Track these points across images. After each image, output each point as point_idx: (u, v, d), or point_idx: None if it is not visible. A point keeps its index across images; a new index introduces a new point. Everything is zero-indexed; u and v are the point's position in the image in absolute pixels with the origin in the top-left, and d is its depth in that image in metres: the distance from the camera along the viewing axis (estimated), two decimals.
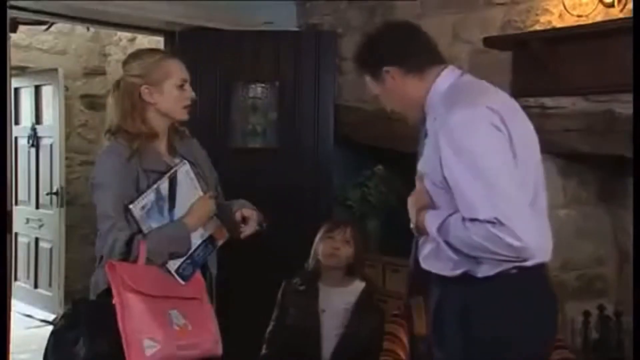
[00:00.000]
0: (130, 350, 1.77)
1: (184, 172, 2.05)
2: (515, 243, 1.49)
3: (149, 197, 1.96)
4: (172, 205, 2.01)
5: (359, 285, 2.70)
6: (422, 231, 1.68)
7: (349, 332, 2.61)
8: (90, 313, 1.90)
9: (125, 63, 2.13)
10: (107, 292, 1.88)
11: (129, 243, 1.91)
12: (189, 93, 2.10)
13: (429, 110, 1.72)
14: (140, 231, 1.94)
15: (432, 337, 1.80)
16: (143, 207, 1.95)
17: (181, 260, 2.00)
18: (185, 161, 2.08)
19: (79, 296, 1.99)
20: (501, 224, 1.48)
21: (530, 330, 1.65)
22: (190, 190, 2.05)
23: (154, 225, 1.96)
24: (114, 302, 1.82)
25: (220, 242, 2.12)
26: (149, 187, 1.97)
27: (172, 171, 2.02)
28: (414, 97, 1.74)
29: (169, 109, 2.07)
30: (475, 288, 1.62)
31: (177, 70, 2.08)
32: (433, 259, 1.71)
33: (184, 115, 2.11)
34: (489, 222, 1.49)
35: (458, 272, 1.64)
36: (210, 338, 1.95)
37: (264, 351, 2.70)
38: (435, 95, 1.70)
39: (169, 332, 1.83)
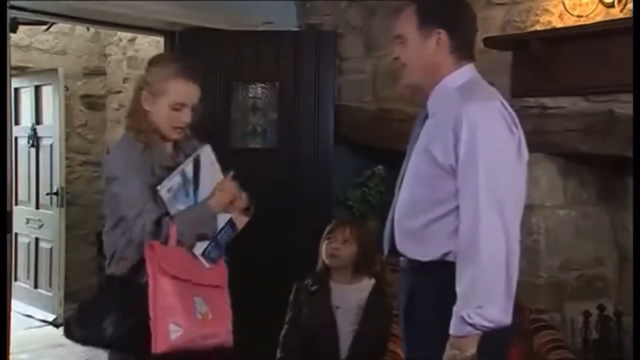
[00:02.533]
0: (157, 332, 1.80)
1: (207, 153, 2.06)
2: None
3: (175, 179, 1.98)
4: (196, 187, 2.02)
5: (369, 283, 2.70)
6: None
7: (364, 329, 2.61)
8: (120, 290, 1.94)
9: (147, 63, 2.15)
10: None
11: (158, 224, 1.92)
12: (184, 118, 2.06)
13: (439, 93, 1.74)
14: (167, 213, 1.95)
15: (402, 323, 1.82)
16: (169, 190, 1.97)
17: (206, 243, 2.02)
18: (208, 145, 2.07)
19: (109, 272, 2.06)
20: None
21: None
22: (212, 172, 2.06)
23: (181, 207, 1.98)
24: (145, 280, 1.85)
25: (240, 227, 2.13)
26: (162, 179, 1.98)
27: (195, 153, 2.03)
28: (438, 73, 1.74)
29: (159, 123, 2.05)
30: (450, 273, 1.62)
31: (176, 92, 2.04)
32: (413, 243, 1.72)
33: (172, 134, 2.08)
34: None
35: (438, 255, 1.66)
36: (226, 329, 1.98)
37: (278, 355, 2.69)
38: (453, 82, 1.72)
39: (191, 319, 1.86)
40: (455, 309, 1.59)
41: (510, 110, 1.68)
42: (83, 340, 2.00)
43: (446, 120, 1.65)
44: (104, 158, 2.18)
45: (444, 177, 1.65)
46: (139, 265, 1.93)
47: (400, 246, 1.76)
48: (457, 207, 1.63)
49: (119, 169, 2.00)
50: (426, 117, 1.78)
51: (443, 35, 1.72)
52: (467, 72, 1.75)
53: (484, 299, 1.56)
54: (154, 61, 2.15)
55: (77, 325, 1.97)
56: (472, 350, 1.59)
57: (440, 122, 1.69)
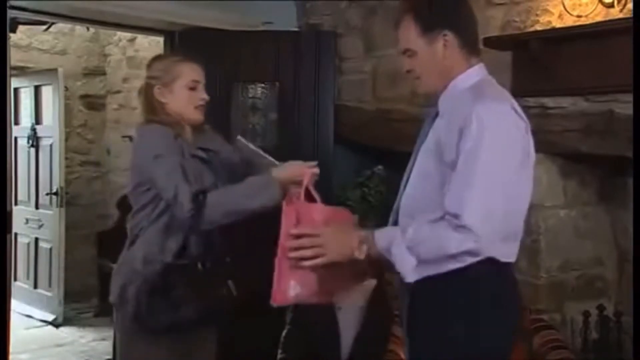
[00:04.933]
0: (278, 287, 1.84)
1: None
2: (469, 245, 1.54)
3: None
4: None
5: (370, 283, 2.70)
6: (372, 251, 1.64)
7: (365, 329, 2.61)
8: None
9: (147, 65, 2.26)
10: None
11: (195, 199, 1.97)
12: (201, 94, 2.20)
13: (450, 93, 1.72)
14: (203, 191, 2.00)
15: (404, 324, 1.81)
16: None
17: None
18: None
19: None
20: (462, 226, 1.53)
21: (496, 325, 1.66)
22: None
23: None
24: None
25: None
26: (192, 167, 2.07)
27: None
28: (450, 74, 1.72)
29: (180, 108, 2.17)
30: (455, 275, 1.60)
31: (188, 72, 2.18)
32: None
33: (196, 116, 2.20)
34: (461, 225, 1.53)
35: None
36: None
37: (280, 355, 2.69)
38: (464, 82, 1.71)
39: (311, 278, 1.86)
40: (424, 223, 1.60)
41: (522, 113, 1.66)
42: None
43: (456, 119, 1.63)
44: (135, 142, 2.22)
45: (450, 176, 1.62)
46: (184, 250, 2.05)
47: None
48: None
49: (159, 148, 2.05)
50: (436, 116, 1.76)
51: (449, 36, 1.70)
52: (477, 72, 1.73)
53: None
54: (155, 58, 2.30)
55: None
56: None
57: (450, 121, 1.67)
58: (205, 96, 2.20)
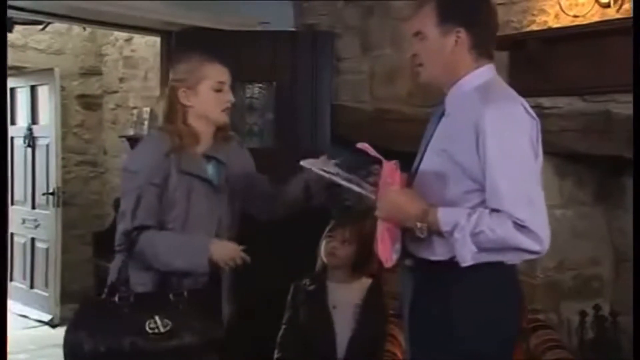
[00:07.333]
0: (385, 252, 1.76)
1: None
2: (536, 248, 1.58)
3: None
4: None
5: (366, 282, 2.70)
6: (432, 229, 1.63)
7: (361, 328, 2.61)
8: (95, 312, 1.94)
9: (171, 68, 2.20)
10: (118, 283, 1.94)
11: (127, 234, 1.94)
12: (228, 96, 2.13)
13: (457, 92, 1.72)
14: (141, 227, 1.94)
15: (406, 324, 1.81)
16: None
17: None
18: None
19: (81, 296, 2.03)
20: (528, 229, 1.55)
21: (500, 325, 1.68)
22: None
23: None
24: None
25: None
26: (177, 187, 2.00)
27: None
28: (456, 72, 1.72)
29: (206, 111, 2.09)
30: (460, 275, 1.61)
31: (214, 74, 2.12)
32: (422, 242, 1.70)
33: (222, 118, 2.13)
34: (516, 221, 1.54)
35: (449, 255, 1.63)
36: None
37: (276, 355, 2.69)
38: (471, 81, 1.71)
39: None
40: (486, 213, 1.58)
41: (532, 111, 1.66)
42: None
43: (465, 120, 1.63)
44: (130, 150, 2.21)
45: (460, 177, 1.64)
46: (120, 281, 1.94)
47: (409, 244, 1.74)
48: (470, 208, 1.62)
49: (135, 166, 2.03)
50: (442, 115, 1.76)
51: (462, 33, 1.69)
52: (486, 72, 1.72)
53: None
54: (179, 60, 2.23)
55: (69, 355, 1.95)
56: None
57: (458, 121, 1.67)
58: (232, 98, 2.13)
